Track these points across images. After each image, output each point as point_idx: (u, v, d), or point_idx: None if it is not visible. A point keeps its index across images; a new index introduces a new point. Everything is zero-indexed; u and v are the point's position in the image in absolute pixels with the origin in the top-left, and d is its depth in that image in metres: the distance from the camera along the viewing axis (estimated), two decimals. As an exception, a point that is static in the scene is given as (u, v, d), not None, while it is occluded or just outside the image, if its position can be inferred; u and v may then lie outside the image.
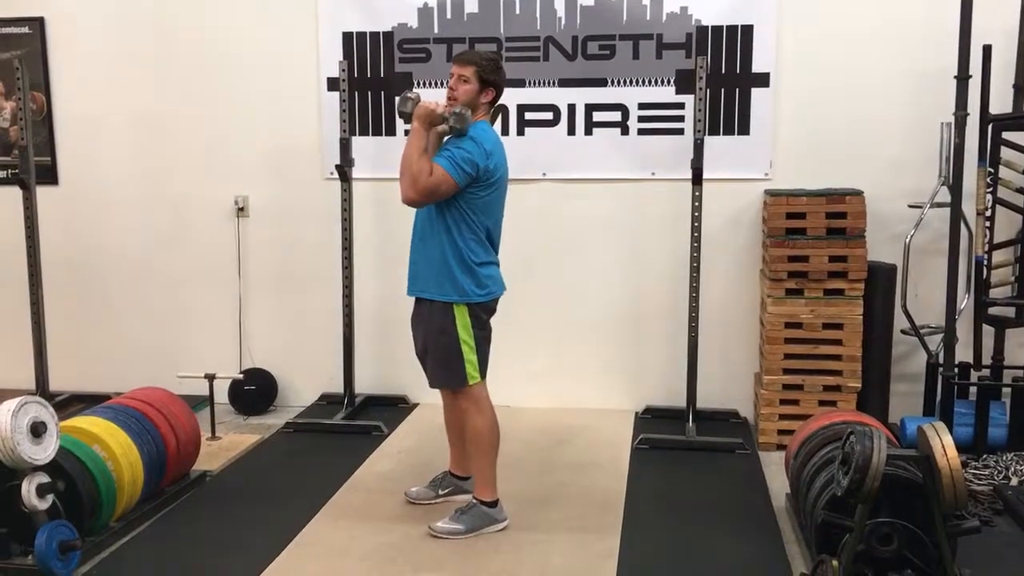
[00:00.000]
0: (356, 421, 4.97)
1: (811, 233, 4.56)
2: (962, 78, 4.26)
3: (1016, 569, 3.39)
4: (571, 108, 5.00)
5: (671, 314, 4.99)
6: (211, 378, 4.80)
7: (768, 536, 3.60)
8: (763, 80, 4.83)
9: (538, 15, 4.97)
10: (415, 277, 3.63)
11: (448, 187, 3.40)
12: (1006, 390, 4.53)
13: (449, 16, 5.03)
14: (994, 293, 4.57)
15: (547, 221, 5.09)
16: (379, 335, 5.26)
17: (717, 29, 4.84)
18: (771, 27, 4.79)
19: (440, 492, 3.91)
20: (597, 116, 5.00)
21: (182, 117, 5.30)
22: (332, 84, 5.08)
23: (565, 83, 4.99)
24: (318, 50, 5.13)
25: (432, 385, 3.72)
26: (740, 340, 5.04)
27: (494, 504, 3.67)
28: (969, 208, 4.47)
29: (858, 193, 4.57)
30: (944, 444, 2.76)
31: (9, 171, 5.45)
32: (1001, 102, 4.45)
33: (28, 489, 3.18)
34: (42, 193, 5.10)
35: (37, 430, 3.20)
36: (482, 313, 3.59)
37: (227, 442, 4.72)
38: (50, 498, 3.25)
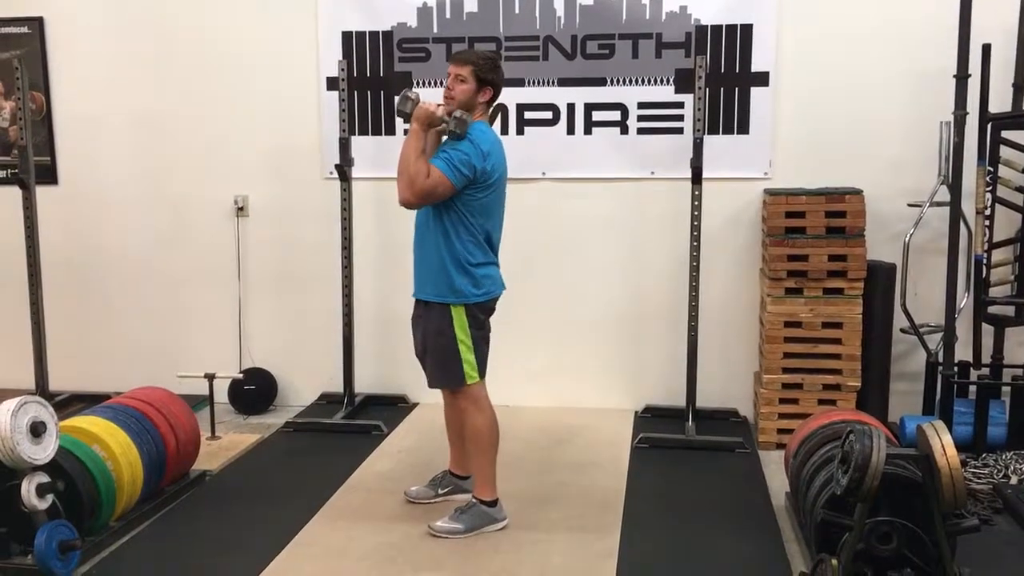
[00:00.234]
0: (356, 420, 4.97)
1: (811, 232, 4.56)
2: (961, 77, 4.26)
3: (1016, 568, 3.39)
4: (570, 107, 5.00)
5: (671, 313, 4.99)
6: (211, 378, 4.80)
7: (768, 535, 3.60)
8: (763, 79, 4.83)
9: (537, 14, 4.97)
10: (417, 279, 3.64)
11: (445, 189, 3.40)
12: (1005, 389, 4.53)
13: (448, 16, 5.03)
14: (993, 292, 4.57)
15: (547, 221, 5.09)
16: (379, 334, 5.26)
17: (716, 28, 4.84)
18: (771, 26, 4.79)
19: (440, 491, 3.91)
20: (596, 115, 5.00)
21: (182, 117, 5.30)
22: (332, 84, 5.08)
23: (564, 82, 4.99)
24: (318, 50, 5.14)
25: (431, 385, 3.72)
26: (740, 339, 5.04)
27: (494, 503, 3.67)
28: (968, 207, 4.47)
29: (857, 192, 4.57)
30: (943, 443, 2.76)
31: (9, 171, 5.45)
32: (1000, 101, 4.45)
33: (28, 489, 3.18)
34: (42, 193, 5.10)
35: (37, 430, 3.20)
36: (480, 313, 3.59)
37: (227, 442, 4.72)
38: (50, 498, 3.25)
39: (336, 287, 5.11)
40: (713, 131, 4.84)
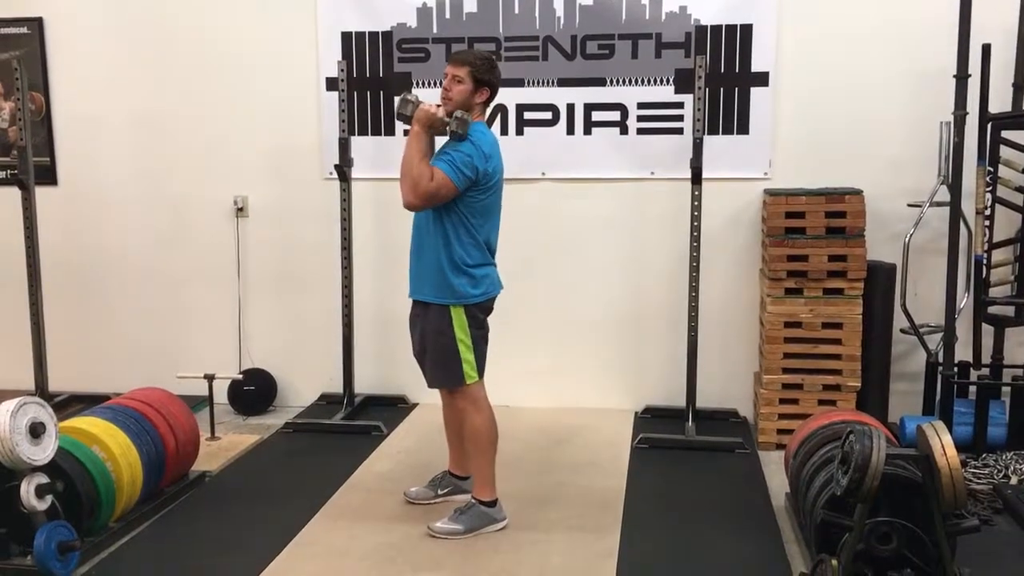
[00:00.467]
0: (355, 421, 4.97)
1: (810, 232, 4.56)
2: (961, 77, 4.26)
3: (1016, 568, 3.39)
4: (570, 108, 5.00)
5: (671, 313, 4.99)
6: (210, 378, 4.80)
7: (768, 535, 3.60)
8: (762, 79, 4.83)
9: (537, 15, 4.97)
10: (413, 279, 3.64)
11: (448, 191, 3.40)
12: (1005, 389, 4.53)
13: (448, 16, 5.03)
14: (993, 292, 4.57)
15: (546, 221, 5.09)
16: (378, 335, 5.26)
17: (716, 28, 4.84)
18: (770, 26, 4.79)
19: (439, 492, 3.91)
20: (596, 116, 5.00)
21: (181, 117, 5.30)
22: (331, 84, 5.08)
23: (564, 83, 4.99)
24: (317, 50, 5.13)
25: (430, 385, 3.72)
26: (740, 339, 5.04)
27: (493, 504, 3.67)
28: (968, 207, 4.47)
29: (857, 192, 4.57)
30: (943, 443, 2.76)
31: (8, 172, 5.45)
32: (1000, 101, 4.45)
33: (27, 490, 3.18)
34: (41, 194, 5.09)
35: (36, 431, 3.19)
36: (479, 313, 3.59)
37: (226, 442, 4.72)
38: (49, 499, 3.25)
39: (336, 287, 5.10)
40: (713, 131, 4.84)
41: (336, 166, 4.95)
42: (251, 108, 5.24)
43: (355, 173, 5.01)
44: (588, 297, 5.14)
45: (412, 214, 3.64)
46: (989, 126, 4.41)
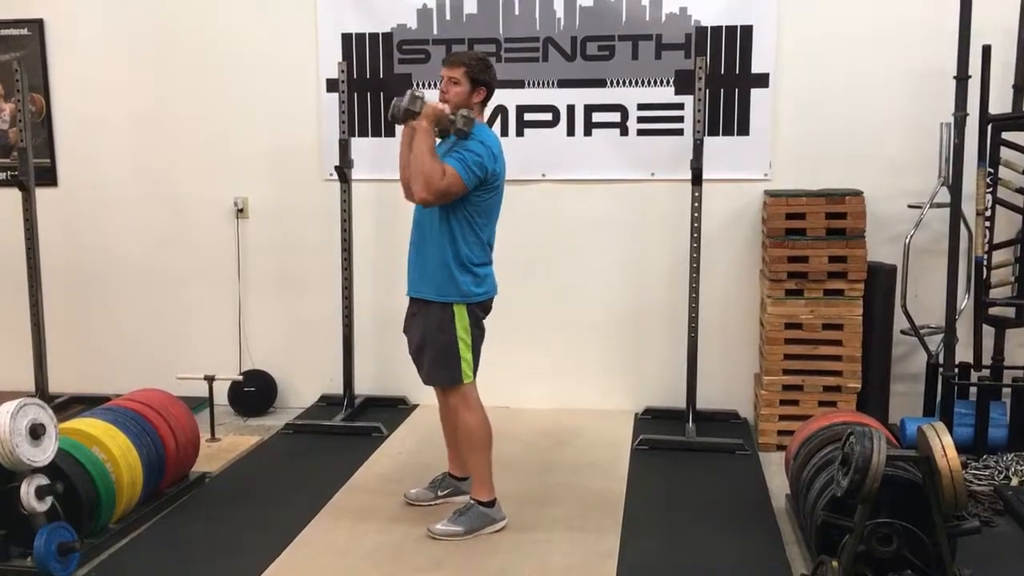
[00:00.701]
0: (356, 422, 4.97)
1: (811, 234, 4.56)
2: (961, 78, 4.26)
3: (1016, 569, 3.39)
4: (570, 109, 5.00)
5: (671, 315, 4.99)
6: (211, 380, 4.80)
7: (768, 537, 3.60)
8: (763, 81, 4.83)
9: (537, 16, 4.97)
10: (414, 278, 3.64)
11: (459, 189, 3.42)
12: (1006, 390, 4.53)
13: (448, 17, 5.03)
14: (994, 293, 4.57)
15: (547, 222, 5.09)
16: (379, 336, 5.25)
17: (716, 30, 4.84)
18: (770, 28, 4.79)
19: (439, 493, 3.91)
20: (596, 117, 5.00)
21: (181, 118, 5.30)
22: (331, 85, 5.08)
23: (564, 84, 4.99)
24: (317, 51, 5.13)
25: (427, 382, 3.71)
26: (740, 341, 5.04)
27: (491, 504, 3.67)
28: (969, 208, 4.47)
29: (858, 193, 4.57)
30: (944, 445, 2.76)
31: (8, 173, 5.45)
32: (1001, 102, 4.45)
33: (27, 491, 3.17)
34: (41, 195, 5.10)
35: (36, 432, 3.19)
36: (480, 312, 3.61)
37: (227, 444, 4.72)
38: (49, 500, 3.25)
39: (336, 289, 5.10)
40: (713, 132, 4.84)
41: (336, 167, 4.96)
42: (251, 109, 5.24)
43: (355, 174, 5.01)
44: (588, 298, 5.14)
45: (411, 215, 3.66)
46: (989, 127, 4.42)
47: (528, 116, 5.03)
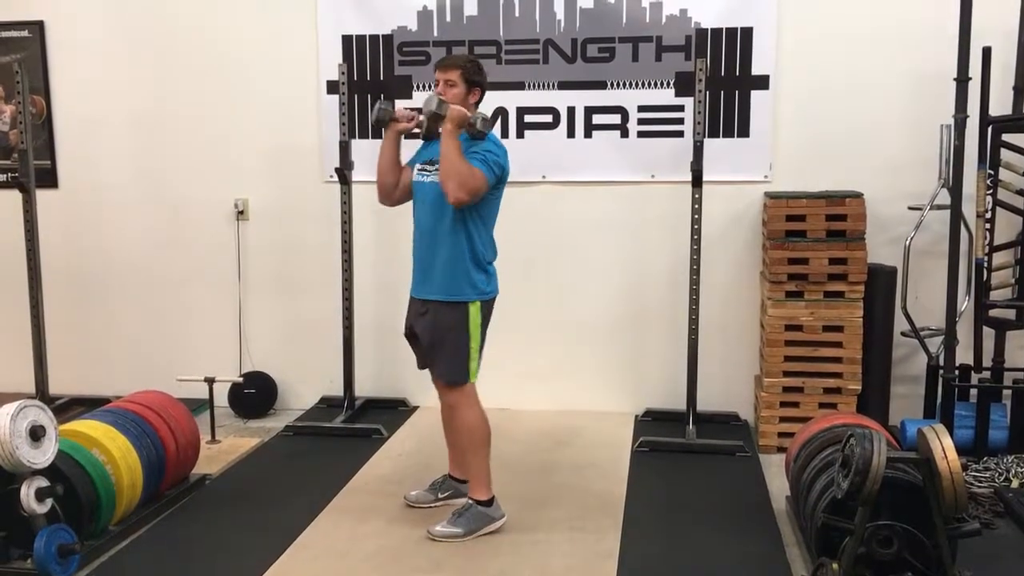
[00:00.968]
0: (356, 424, 4.97)
1: (811, 235, 4.56)
2: (962, 80, 4.26)
3: (1017, 571, 3.38)
4: (571, 111, 5.00)
5: (671, 316, 4.99)
6: (211, 381, 4.80)
7: (768, 539, 3.60)
8: (763, 82, 4.83)
9: (537, 17, 4.97)
10: (426, 278, 3.63)
11: (485, 188, 3.50)
12: (1006, 392, 4.52)
13: (448, 19, 5.04)
14: (994, 295, 4.57)
15: (547, 223, 5.09)
16: (379, 338, 5.25)
17: (716, 31, 4.84)
18: (770, 29, 4.79)
19: (440, 495, 3.91)
20: (597, 119, 5.00)
21: (182, 120, 5.31)
22: (332, 87, 5.09)
23: (564, 86, 4.99)
24: (318, 53, 5.14)
25: (441, 379, 3.69)
26: (740, 342, 5.04)
27: (490, 503, 3.68)
28: (969, 210, 4.47)
29: (858, 195, 4.57)
30: (944, 446, 2.76)
31: (9, 175, 5.46)
32: (1001, 104, 4.45)
33: (27, 493, 3.17)
34: (42, 196, 5.10)
35: (36, 434, 3.19)
36: (488, 310, 3.66)
37: (227, 445, 4.72)
38: (49, 502, 3.25)
39: (336, 290, 5.10)
40: (713, 134, 4.84)
41: (336, 169, 4.96)
42: (251, 111, 5.24)
43: (355, 176, 5.01)
44: (589, 300, 5.14)
45: (409, 217, 3.69)
46: (989, 129, 4.41)
47: (528, 118, 5.04)
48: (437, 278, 3.59)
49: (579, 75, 4.97)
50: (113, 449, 3.60)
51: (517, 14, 4.99)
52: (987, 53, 4.31)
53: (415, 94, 5.04)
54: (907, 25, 4.68)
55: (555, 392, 5.20)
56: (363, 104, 5.15)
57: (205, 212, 5.35)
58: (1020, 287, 4.57)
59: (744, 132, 4.88)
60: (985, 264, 4.49)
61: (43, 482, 3.23)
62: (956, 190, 4.37)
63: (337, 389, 5.22)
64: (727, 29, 4.83)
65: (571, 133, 5.02)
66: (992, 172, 4.46)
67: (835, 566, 2.85)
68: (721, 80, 4.85)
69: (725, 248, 4.97)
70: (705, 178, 4.60)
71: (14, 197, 5.02)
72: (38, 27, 5.35)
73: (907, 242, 4.53)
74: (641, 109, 4.95)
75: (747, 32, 4.82)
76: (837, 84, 4.77)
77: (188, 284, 5.43)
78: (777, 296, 4.60)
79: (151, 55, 5.28)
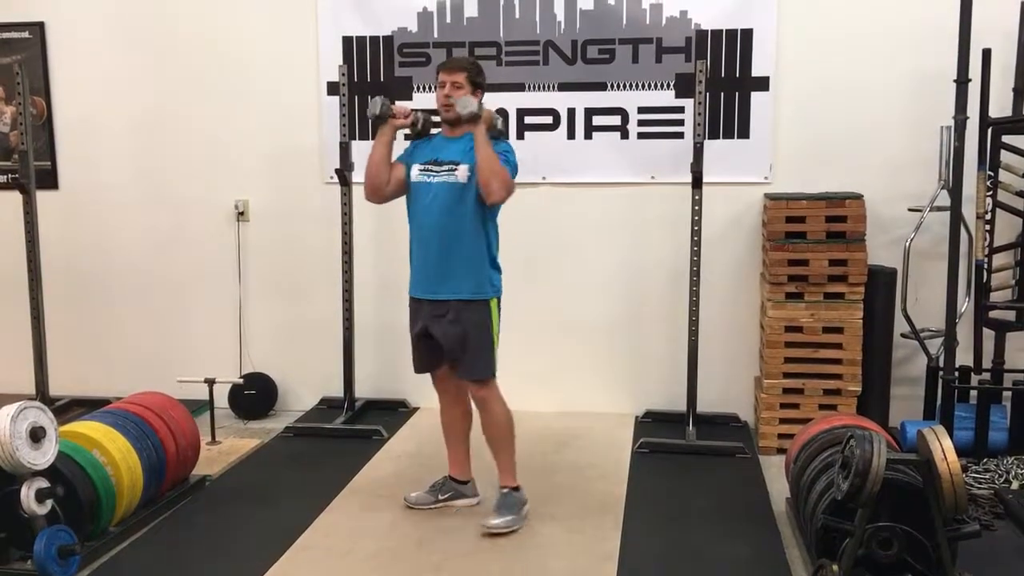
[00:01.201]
0: (356, 425, 4.97)
1: (811, 237, 4.56)
2: (961, 82, 4.26)
3: (1016, 573, 3.39)
4: (571, 112, 5.01)
5: (671, 317, 4.99)
6: (211, 382, 4.80)
7: (768, 540, 3.60)
8: (763, 84, 4.84)
9: (538, 19, 4.98)
10: (444, 279, 3.62)
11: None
12: (1006, 394, 4.53)
13: (449, 20, 5.04)
14: (994, 297, 4.57)
15: (547, 224, 5.09)
16: (379, 339, 5.26)
17: (717, 33, 4.84)
18: (770, 31, 4.79)
19: (440, 497, 3.91)
20: (597, 120, 5.00)
21: (182, 121, 5.31)
22: (332, 88, 5.09)
23: (565, 87, 4.99)
24: (318, 54, 5.14)
25: (470, 376, 3.70)
26: (740, 344, 5.04)
27: (519, 489, 3.77)
28: (969, 212, 4.47)
29: (858, 197, 4.57)
30: (944, 448, 2.76)
31: (9, 176, 5.46)
32: (1000, 105, 4.45)
33: (27, 494, 3.17)
34: (42, 197, 5.10)
35: (36, 435, 3.19)
36: (500, 306, 3.74)
37: (227, 446, 4.72)
38: (49, 503, 3.25)
39: (336, 291, 5.10)
40: (713, 135, 4.84)
41: (337, 170, 4.96)
42: (252, 112, 5.24)
43: (356, 177, 5.00)
44: (588, 301, 5.14)
45: (415, 217, 3.70)
46: (989, 130, 4.42)
47: (528, 119, 5.04)
48: (459, 278, 3.61)
49: (579, 76, 4.98)
50: (113, 450, 3.60)
51: (517, 15, 4.99)
52: (987, 54, 4.31)
53: (415, 95, 5.04)
54: (907, 27, 4.68)
55: (555, 393, 5.20)
56: (363, 105, 5.14)
57: (205, 213, 5.36)
58: (1020, 288, 4.57)
59: (744, 133, 4.89)
60: (985, 265, 4.49)
61: (43, 483, 3.23)
62: (956, 191, 4.37)
63: (337, 390, 5.21)
64: (727, 31, 4.83)
65: (571, 134, 5.02)
66: (992, 173, 4.46)
67: (835, 567, 2.85)
68: (721, 81, 4.85)
69: (725, 249, 4.98)
70: (705, 179, 4.60)
71: (14, 198, 5.03)
72: (38, 28, 5.36)
73: (907, 243, 4.53)
74: (641, 110, 4.95)
75: (747, 34, 4.82)
76: (837, 86, 4.78)
77: (188, 285, 5.43)
78: (777, 297, 4.60)
79: (151, 56, 5.29)
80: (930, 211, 4.48)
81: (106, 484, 3.52)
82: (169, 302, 5.46)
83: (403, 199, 3.77)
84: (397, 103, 3.85)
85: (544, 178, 5.08)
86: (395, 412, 5.21)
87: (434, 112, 3.79)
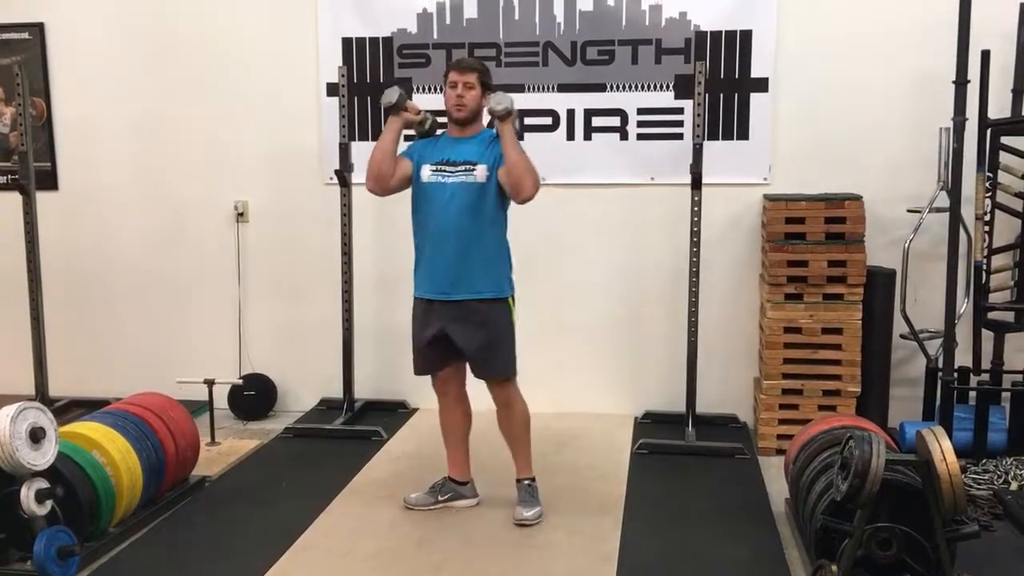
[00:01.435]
0: (355, 426, 4.97)
1: (810, 238, 4.56)
2: (960, 83, 4.26)
3: (1015, 573, 3.39)
4: (570, 113, 5.01)
5: (670, 318, 4.99)
6: (210, 383, 4.81)
7: (767, 541, 3.60)
8: (762, 85, 4.84)
9: (537, 20, 4.98)
10: (462, 279, 3.62)
11: None
12: (1005, 395, 4.53)
13: (448, 21, 5.04)
14: (993, 298, 4.57)
15: (546, 226, 5.09)
16: (379, 340, 5.26)
17: (716, 34, 4.85)
18: (770, 32, 4.80)
19: (439, 498, 3.91)
20: (596, 121, 5.00)
21: (182, 122, 5.31)
22: (332, 89, 5.09)
23: (564, 88, 5.00)
24: (318, 55, 5.15)
25: (496, 375, 3.72)
26: (739, 345, 5.04)
27: (535, 479, 3.85)
28: (968, 213, 4.47)
29: (857, 198, 4.57)
30: (943, 449, 2.76)
31: (9, 177, 5.46)
32: (1000, 106, 4.45)
33: (27, 495, 3.17)
34: (42, 198, 5.10)
35: (36, 435, 3.19)
36: None
37: (226, 447, 4.72)
38: (49, 504, 3.25)
39: (336, 292, 5.11)
40: (713, 136, 4.85)
41: (336, 171, 4.96)
42: (252, 113, 5.25)
43: (355, 178, 5.00)
44: (588, 302, 5.14)
45: (409, 220, 3.71)
46: (988, 132, 4.42)
47: (528, 120, 5.03)
48: (478, 278, 3.62)
49: (579, 77, 4.98)
50: (113, 451, 3.60)
51: (517, 16, 5.00)
52: (986, 56, 4.31)
53: (415, 96, 5.05)
54: (906, 28, 4.69)
55: (554, 394, 5.19)
56: (363, 106, 5.16)
57: (205, 214, 5.36)
58: (1019, 289, 4.57)
59: (743, 134, 4.89)
60: (984, 267, 4.49)
61: (43, 484, 3.23)
62: (955, 193, 4.38)
63: (337, 391, 5.22)
64: (726, 32, 4.84)
65: (571, 135, 5.03)
66: (991, 175, 4.46)
67: (834, 568, 2.85)
68: (720, 82, 4.85)
69: (724, 250, 4.98)
70: (704, 180, 4.61)
71: (14, 199, 5.03)
72: (38, 29, 5.36)
73: (906, 244, 4.53)
74: (640, 111, 4.96)
75: (746, 35, 4.83)
76: (836, 87, 4.78)
77: (188, 286, 5.44)
78: (776, 298, 4.60)
79: (151, 57, 5.29)
80: (929, 212, 4.49)
81: (106, 485, 3.52)
82: (169, 303, 5.46)
83: (400, 198, 3.77)
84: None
85: (543, 179, 5.00)
86: (394, 413, 5.21)
87: (438, 113, 3.80)
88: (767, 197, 4.78)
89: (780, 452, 4.46)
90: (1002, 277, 4.62)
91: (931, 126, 4.50)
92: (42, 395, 5.02)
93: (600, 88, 4.97)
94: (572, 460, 4.51)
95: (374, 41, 5.11)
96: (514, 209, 3.80)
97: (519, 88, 4.98)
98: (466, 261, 3.60)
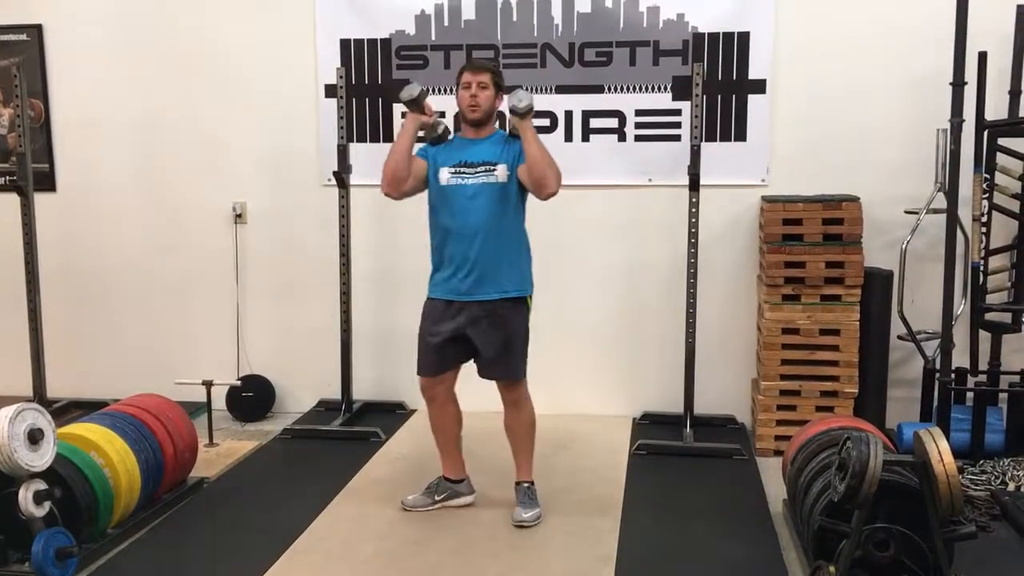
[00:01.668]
0: (354, 427, 4.97)
1: (808, 239, 4.57)
2: (958, 84, 4.27)
3: (1013, 574, 3.39)
4: (568, 115, 5.01)
5: (668, 320, 5.00)
6: (209, 385, 4.80)
7: (765, 542, 3.60)
8: (760, 86, 4.85)
9: (535, 22, 4.99)
10: (487, 279, 3.63)
11: None
12: (1003, 395, 4.54)
13: (446, 23, 5.05)
14: (990, 299, 4.58)
15: (545, 227, 5.03)
16: (377, 341, 5.26)
17: (714, 36, 4.85)
18: (767, 34, 4.80)
19: (436, 498, 3.91)
20: (594, 123, 5.01)
21: (180, 123, 5.31)
22: (330, 91, 5.09)
23: (562, 90, 5.00)
24: (316, 57, 5.15)
25: (508, 378, 3.73)
26: (737, 346, 5.04)
27: (534, 483, 3.86)
28: (965, 214, 4.48)
29: (855, 199, 4.58)
30: (940, 449, 2.77)
31: (7, 178, 5.46)
32: (997, 108, 4.46)
33: (25, 496, 3.17)
34: (40, 200, 5.10)
35: (34, 437, 3.19)
36: None
37: (225, 449, 4.72)
38: (47, 505, 3.25)
39: (334, 294, 5.11)
40: (710, 138, 4.85)
41: (335, 173, 4.96)
42: (250, 115, 5.25)
43: (354, 180, 5.02)
44: (586, 303, 5.14)
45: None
46: (986, 133, 4.43)
47: (526, 122, 5.04)
48: (503, 277, 3.63)
49: (577, 79, 4.99)
50: (111, 452, 3.60)
51: (515, 18, 5.00)
52: (983, 57, 4.32)
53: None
54: (903, 30, 4.69)
55: (552, 395, 5.16)
56: (361, 108, 5.16)
57: (203, 216, 5.36)
58: (1016, 291, 4.58)
59: (741, 136, 4.90)
60: (981, 268, 4.50)
61: (41, 485, 3.23)
62: (952, 194, 4.38)
63: (335, 392, 5.22)
64: (724, 33, 4.85)
65: (568, 137, 5.03)
66: (988, 176, 4.47)
67: (832, 569, 2.86)
68: (718, 84, 4.86)
69: (722, 251, 4.98)
70: (702, 182, 4.62)
71: (12, 201, 5.02)
72: (36, 30, 5.36)
73: (903, 246, 4.54)
74: (638, 113, 4.96)
75: (744, 36, 4.83)
76: (834, 88, 4.79)
77: (186, 287, 5.43)
78: (774, 299, 4.61)
79: (150, 59, 5.29)
80: (926, 213, 4.49)
81: (104, 486, 3.52)
82: (167, 304, 5.46)
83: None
84: None
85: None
86: (393, 414, 5.21)
87: (438, 113, 3.82)
88: (765, 198, 4.79)
89: (778, 453, 4.47)
90: (999, 278, 4.63)
91: (928, 128, 4.51)
92: (40, 396, 5.02)
93: (598, 89, 4.98)
94: (570, 461, 4.51)
95: (372, 43, 5.12)
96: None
97: (517, 90, 4.97)
98: (493, 260, 3.61)
